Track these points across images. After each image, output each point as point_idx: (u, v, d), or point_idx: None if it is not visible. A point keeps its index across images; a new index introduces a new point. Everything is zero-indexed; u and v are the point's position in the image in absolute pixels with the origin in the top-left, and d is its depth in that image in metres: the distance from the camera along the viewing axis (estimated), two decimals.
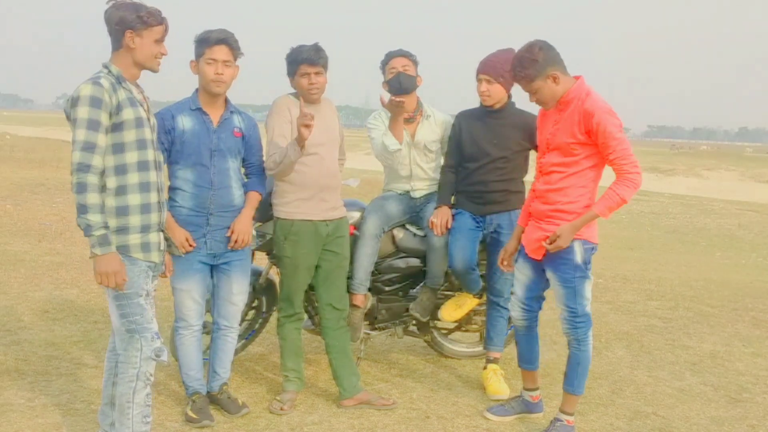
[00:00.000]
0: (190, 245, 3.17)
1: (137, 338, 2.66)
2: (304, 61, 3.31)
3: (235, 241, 3.24)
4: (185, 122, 3.18)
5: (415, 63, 3.86)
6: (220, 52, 3.14)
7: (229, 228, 3.25)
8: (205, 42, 3.15)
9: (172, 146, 3.18)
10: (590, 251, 3.16)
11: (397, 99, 3.57)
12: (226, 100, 3.30)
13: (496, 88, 3.68)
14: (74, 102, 2.52)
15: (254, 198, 3.34)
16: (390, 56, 3.84)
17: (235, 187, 3.27)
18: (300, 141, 3.18)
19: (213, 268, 3.33)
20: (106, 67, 2.65)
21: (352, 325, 3.81)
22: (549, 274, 3.22)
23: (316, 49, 3.33)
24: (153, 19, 2.62)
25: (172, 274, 3.17)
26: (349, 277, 3.77)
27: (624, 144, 3.00)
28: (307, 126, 3.12)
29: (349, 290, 3.77)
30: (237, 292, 3.38)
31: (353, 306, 3.80)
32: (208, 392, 3.45)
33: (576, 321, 3.18)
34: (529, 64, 3.01)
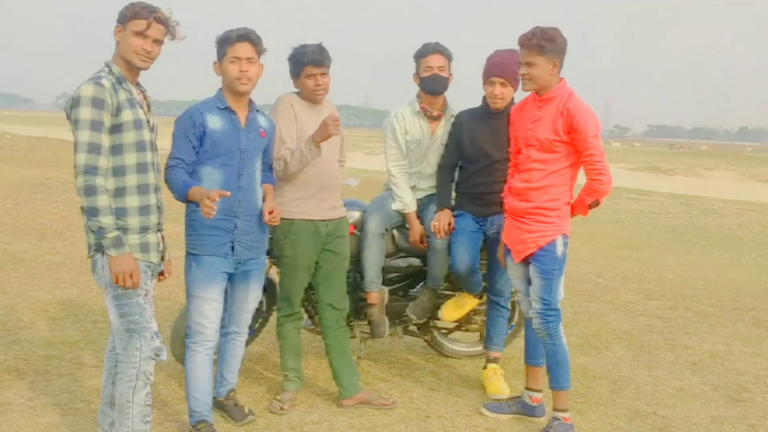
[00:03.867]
0: (215, 204, 2.78)
1: (137, 338, 2.65)
2: (310, 63, 3.30)
3: (270, 213, 3.06)
4: (215, 121, 3.03)
5: (450, 60, 3.85)
6: (243, 50, 3.02)
7: (254, 233, 3.13)
8: (226, 41, 3.03)
9: (200, 146, 3.01)
10: (567, 245, 3.26)
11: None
12: (250, 101, 3.18)
13: (510, 91, 3.65)
14: (75, 102, 2.52)
15: (271, 189, 3.25)
16: (427, 51, 3.80)
17: (259, 189, 3.16)
18: (323, 139, 3.18)
19: (229, 277, 3.17)
20: (107, 66, 2.65)
21: (374, 322, 3.85)
22: (530, 267, 3.27)
23: (321, 50, 3.32)
24: (139, 13, 2.59)
25: (171, 275, 3.05)
26: (361, 278, 3.81)
27: (595, 149, 3.09)
28: (335, 131, 3.17)
29: (364, 290, 3.81)
30: (252, 300, 3.30)
31: (370, 304, 3.83)
32: (214, 398, 3.35)
33: (548, 314, 3.23)
34: (550, 39, 3.08)
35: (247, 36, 3.03)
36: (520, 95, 3.50)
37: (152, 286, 2.82)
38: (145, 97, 2.77)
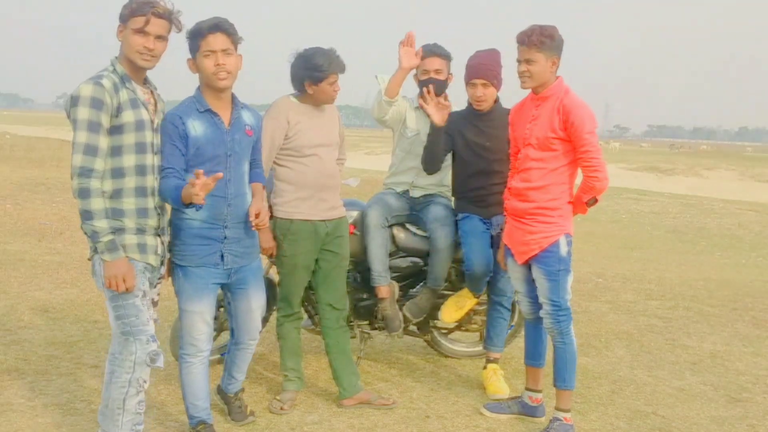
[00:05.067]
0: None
1: (132, 341, 2.58)
2: (338, 70, 3.28)
3: (257, 216, 2.89)
4: (197, 127, 2.81)
5: (449, 61, 3.84)
6: (216, 41, 2.76)
7: (244, 240, 2.98)
8: (198, 34, 2.77)
9: (186, 152, 2.81)
10: (571, 244, 3.26)
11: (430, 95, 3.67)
12: (233, 96, 2.97)
13: (492, 91, 3.67)
14: (74, 101, 2.48)
15: (260, 188, 3.09)
16: (424, 54, 3.78)
17: (248, 193, 3.00)
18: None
19: (223, 286, 3.05)
20: (112, 64, 2.59)
21: (387, 316, 3.84)
22: (534, 269, 3.26)
23: (338, 56, 3.30)
24: (137, 10, 2.52)
25: (169, 279, 2.99)
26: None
27: (591, 146, 3.09)
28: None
29: (373, 285, 3.81)
30: (256, 308, 3.15)
31: (381, 299, 3.83)
32: (222, 392, 3.38)
33: (559, 314, 3.23)
34: (549, 36, 3.10)
35: (219, 26, 2.77)
36: (515, 97, 3.50)
37: (155, 292, 2.79)
38: (153, 96, 2.70)
